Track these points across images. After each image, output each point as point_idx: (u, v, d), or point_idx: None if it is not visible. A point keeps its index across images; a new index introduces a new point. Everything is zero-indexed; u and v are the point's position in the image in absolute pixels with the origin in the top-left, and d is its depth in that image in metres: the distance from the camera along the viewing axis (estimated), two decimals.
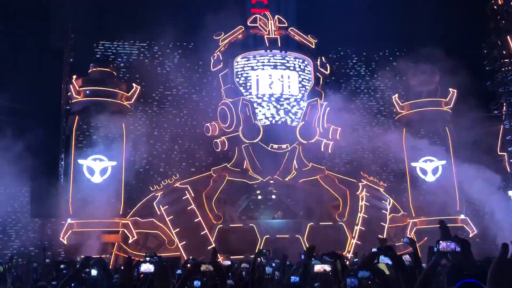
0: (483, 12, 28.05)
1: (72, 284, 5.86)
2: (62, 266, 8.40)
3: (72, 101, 24.34)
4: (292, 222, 24.57)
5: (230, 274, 8.71)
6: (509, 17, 27.26)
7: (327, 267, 5.95)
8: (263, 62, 25.65)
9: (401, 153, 26.53)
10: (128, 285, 4.13)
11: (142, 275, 5.11)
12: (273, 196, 26.54)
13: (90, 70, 25.49)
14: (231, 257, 18.92)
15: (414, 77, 27.59)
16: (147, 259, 6.30)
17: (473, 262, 3.93)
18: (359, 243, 22.82)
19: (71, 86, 24.07)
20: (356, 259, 15.25)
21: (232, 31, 26.19)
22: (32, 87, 23.51)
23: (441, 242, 4.63)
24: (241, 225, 23.81)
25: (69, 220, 22.14)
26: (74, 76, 24.60)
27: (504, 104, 27.67)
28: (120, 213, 23.13)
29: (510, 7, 27.28)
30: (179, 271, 7.45)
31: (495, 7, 27.65)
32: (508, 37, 27.10)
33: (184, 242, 22.25)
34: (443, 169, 25.86)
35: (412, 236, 22.82)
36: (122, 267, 8.88)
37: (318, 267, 5.94)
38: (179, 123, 29.27)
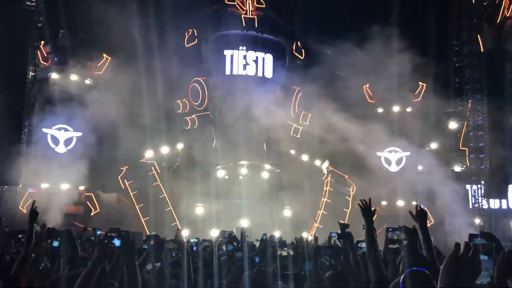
0: (458, 9, 28.59)
1: (33, 255, 5.76)
2: (20, 236, 8.22)
3: (39, 67, 23.56)
4: (258, 204, 24.75)
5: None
6: (480, 16, 27.90)
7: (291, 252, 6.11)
8: (239, 42, 25.41)
9: (367, 142, 27.02)
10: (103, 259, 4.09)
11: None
12: (240, 177, 26.61)
13: (60, 36, 24.66)
14: (195, 234, 18.97)
15: (385, 69, 27.97)
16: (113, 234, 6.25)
17: (418, 252, 4.12)
18: (321, 227, 23.27)
19: (38, 52, 23.27)
20: (317, 244, 15.56)
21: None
22: None
23: (390, 230, 4.83)
24: (206, 204, 23.81)
25: (29, 190, 21.64)
26: (42, 42, 23.76)
27: (470, 100, 28.49)
28: (84, 185, 22.75)
29: (482, 7, 27.90)
30: (146, 246, 7.46)
31: (468, 5, 28.23)
32: (478, 35, 27.77)
33: (148, 218, 22.13)
34: (406, 160, 26.54)
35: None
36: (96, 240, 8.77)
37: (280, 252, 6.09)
38: (150, 97, 28.75)
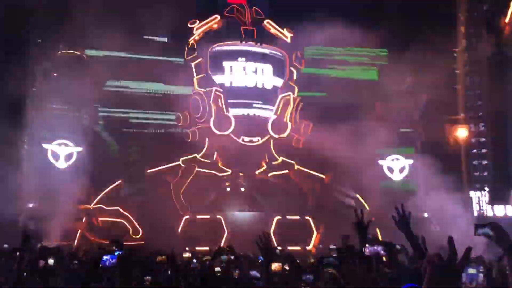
0: (456, 16, 28.63)
1: (24, 274, 5.65)
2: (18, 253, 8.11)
3: (38, 86, 23.60)
4: (260, 215, 24.59)
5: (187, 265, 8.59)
6: (479, 23, 27.92)
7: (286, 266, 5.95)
8: (238, 53, 25.44)
9: (369, 151, 26.87)
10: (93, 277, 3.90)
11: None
12: (242, 189, 26.46)
13: (59, 53, 24.73)
14: (196, 248, 18.79)
15: (386, 77, 27.97)
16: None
17: (398, 266, 3.88)
18: (324, 237, 23.03)
19: (38, 67, 23.34)
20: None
21: (208, 20, 25.87)
22: None
23: (367, 245, 4.60)
24: (208, 216, 23.67)
25: (30, 206, 21.52)
26: (42, 58, 23.85)
27: (470, 107, 28.42)
28: (85, 200, 22.64)
29: (482, 13, 27.94)
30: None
31: (466, 13, 28.27)
32: (477, 43, 27.77)
33: (148, 231, 21.95)
34: (409, 168, 26.36)
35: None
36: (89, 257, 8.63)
37: (274, 266, 5.93)
38: (150, 111, 28.78)
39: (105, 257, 5.64)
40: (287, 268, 5.91)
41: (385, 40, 29.22)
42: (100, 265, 4.18)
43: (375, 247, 4.55)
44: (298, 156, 28.36)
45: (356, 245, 6.34)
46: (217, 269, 6.71)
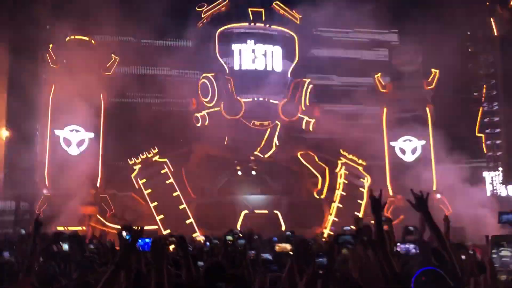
0: None
1: (41, 259, 5.72)
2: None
3: (49, 70, 23.63)
4: (271, 198, 24.66)
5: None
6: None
7: (288, 246, 5.92)
8: (247, 35, 25.21)
9: (381, 133, 26.66)
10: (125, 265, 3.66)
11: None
12: (253, 172, 26.50)
13: (68, 39, 24.68)
14: (209, 232, 18.92)
15: (397, 57, 27.55)
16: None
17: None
18: (336, 220, 23.07)
19: (47, 54, 23.33)
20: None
21: (215, 3, 25.64)
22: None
23: (398, 244, 4.56)
24: (220, 200, 23.79)
25: (45, 192, 21.79)
26: (51, 45, 23.81)
27: (484, 86, 27.94)
28: (98, 185, 22.86)
29: None
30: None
31: None
32: (492, 18, 27.15)
33: (162, 216, 22.14)
34: (422, 149, 26.11)
35: (389, 215, 23.13)
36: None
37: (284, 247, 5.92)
38: (160, 96, 28.74)
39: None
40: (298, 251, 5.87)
41: (396, 20, 28.70)
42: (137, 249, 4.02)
43: (407, 245, 4.53)
44: (309, 139, 28.26)
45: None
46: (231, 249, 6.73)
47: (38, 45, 25.79)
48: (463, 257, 5.40)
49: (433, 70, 26.67)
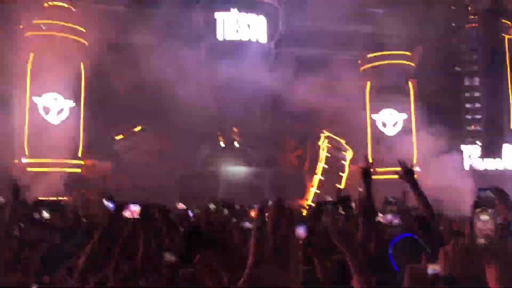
0: None
1: (22, 225, 5.64)
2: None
3: (26, 36, 22.89)
4: (255, 170, 24.75)
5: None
6: None
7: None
8: (230, 2, 24.66)
9: (363, 105, 26.81)
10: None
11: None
12: (236, 144, 26.48)
13: (46, 5, 23.85)
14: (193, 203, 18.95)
15: (381, 30, 27.46)
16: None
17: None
18: (318, 192, 23.34)
19: (24, 20, 22.56)
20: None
21: None
22: None
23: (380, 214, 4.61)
24: (203, 172, 23.77)
25: (22, 160, 21.44)
26: (29, 10, 22.99)
27: (466, 61, 28.18)
28: (78, 155, 22.58)
29: None
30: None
31: None
32: None
33: (144, 187, 22.01)
34: (403, 122, 26.38)
35: None
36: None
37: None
38: (140, 66, 28.13)
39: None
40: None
41: None
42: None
43: (390, 216, 4.61)
44: (291, 111, 28.21)
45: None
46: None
47: (15, 9, 24.89)
48: (441, 228, 5.54)
49: (416, 47, 26.71)
